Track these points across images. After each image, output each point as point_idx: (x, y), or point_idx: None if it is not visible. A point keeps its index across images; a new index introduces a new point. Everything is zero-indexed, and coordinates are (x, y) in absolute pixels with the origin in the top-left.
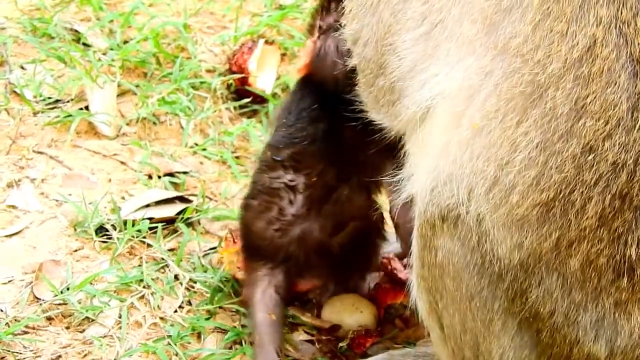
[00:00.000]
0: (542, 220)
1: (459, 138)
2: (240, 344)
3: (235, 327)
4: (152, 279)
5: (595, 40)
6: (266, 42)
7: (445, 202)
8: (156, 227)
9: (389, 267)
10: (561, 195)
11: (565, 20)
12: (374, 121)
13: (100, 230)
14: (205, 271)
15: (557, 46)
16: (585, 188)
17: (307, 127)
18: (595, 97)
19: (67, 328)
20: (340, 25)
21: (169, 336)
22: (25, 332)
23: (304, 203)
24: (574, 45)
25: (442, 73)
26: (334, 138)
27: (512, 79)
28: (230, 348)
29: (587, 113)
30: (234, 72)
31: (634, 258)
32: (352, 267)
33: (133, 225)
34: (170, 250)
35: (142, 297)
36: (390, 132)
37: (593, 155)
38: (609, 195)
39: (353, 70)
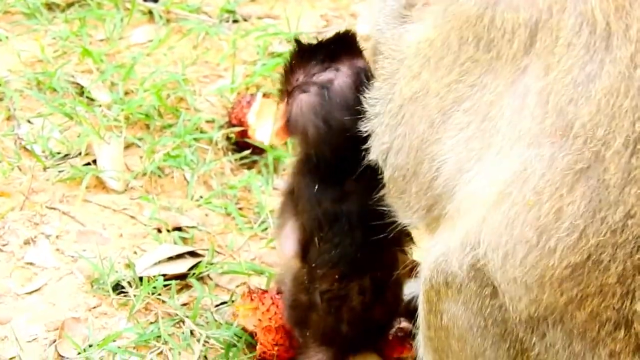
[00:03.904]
0: (567, 278)
1: (504, 213)
2: None
3: None
4: (169, 335)
5: None
6: (263, 94)
7: (450, 269)
8: (170, 283)
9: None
10: (594, 257)
11: (629, 98)
12: None
13: (117, 286)
14: (218, 327)
15: (619, 122)
16: (614, 249)
17: (352, 237)
18: None
19: None
20: (309, 82)
21: None
22: None
23: (373, 296)
24: (635, 120)
25: (489, 168)
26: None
27: (570, 158)
28: None
29: (634, 182)
30: (233, 125)
31: (639, 312)
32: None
33: (148, 282)
34: (184, 304)
35: (161, 352)
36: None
37: (632, 220)
38: (637, 256)
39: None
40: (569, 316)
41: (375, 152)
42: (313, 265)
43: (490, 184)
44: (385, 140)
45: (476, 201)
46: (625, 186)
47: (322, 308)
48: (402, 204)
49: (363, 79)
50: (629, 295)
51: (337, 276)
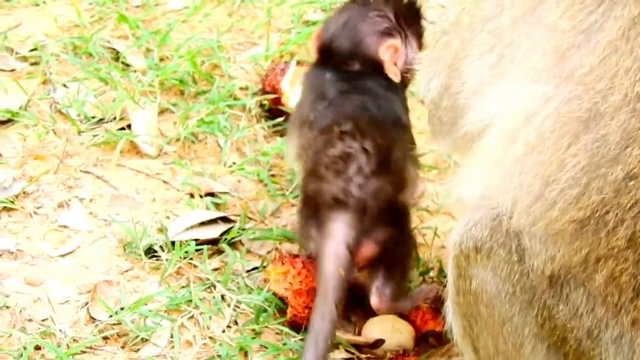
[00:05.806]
0: (576, 236)
1: (512, 154)
2: None
3: (279, 345)
4: (200, 299)
5: None
6: (297, 62)
7: (480, 235)
8: (202, 248)
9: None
10: (597, 214)
11: (632, 58)
12: None
13: (149, 250)
14: (249, 292)
15: (620, 80)
16: (620, 211)
17: (353, 99)
18: None
19: (123, 347)
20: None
21: (219, 356)
22: (84, 352)
23: (376, 163)
24: (636, 81)
25: (505, 97)
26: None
27: (571, 105)
28: None
29: (636, 143)
30: (267, 92)
31: None
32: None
33: (180, 247)
34: (215, 269)
35: (192, 317)
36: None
37: (634, 182)
38: None
39: None
40: (587, 278)
41: (421, 84)
42: (317, 133)
43: (501, 116)
44: (431, 69)
45: (486, 131)
46: (627, 147)
47: (330, 173)
48: (436, 121)
49: None
50: None
51: (340, 131)
